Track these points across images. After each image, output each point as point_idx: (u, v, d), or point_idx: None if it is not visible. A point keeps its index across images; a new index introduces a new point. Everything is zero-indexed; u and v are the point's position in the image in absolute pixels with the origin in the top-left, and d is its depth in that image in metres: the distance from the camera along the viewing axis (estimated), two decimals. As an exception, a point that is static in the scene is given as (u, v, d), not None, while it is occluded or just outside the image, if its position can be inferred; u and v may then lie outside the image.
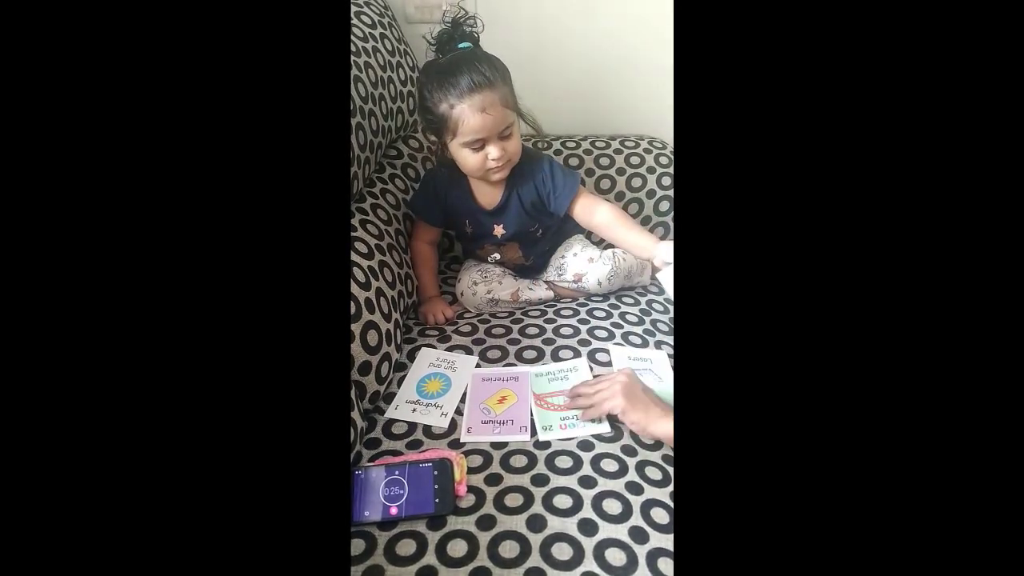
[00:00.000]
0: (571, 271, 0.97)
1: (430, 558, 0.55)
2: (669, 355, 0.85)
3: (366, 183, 0.96)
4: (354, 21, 0.95)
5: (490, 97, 0.79)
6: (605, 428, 0.71)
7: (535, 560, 0.55)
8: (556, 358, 0.83)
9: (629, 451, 0.68)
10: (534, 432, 0.71)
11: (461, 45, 0.83)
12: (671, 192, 1.18)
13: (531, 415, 0.73)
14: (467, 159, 0.84)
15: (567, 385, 0.77)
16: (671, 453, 0.69)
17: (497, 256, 1.01)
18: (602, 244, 1.18)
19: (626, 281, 1.01)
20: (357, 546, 0.56)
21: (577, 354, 0.84)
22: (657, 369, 0.82)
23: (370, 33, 0.99)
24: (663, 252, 0.83)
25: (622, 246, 0.94)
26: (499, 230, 0.96)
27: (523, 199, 0.93)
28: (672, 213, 1.19)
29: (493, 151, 0.82)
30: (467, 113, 0.79)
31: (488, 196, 0.94)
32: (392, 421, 0.74)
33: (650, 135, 1.27)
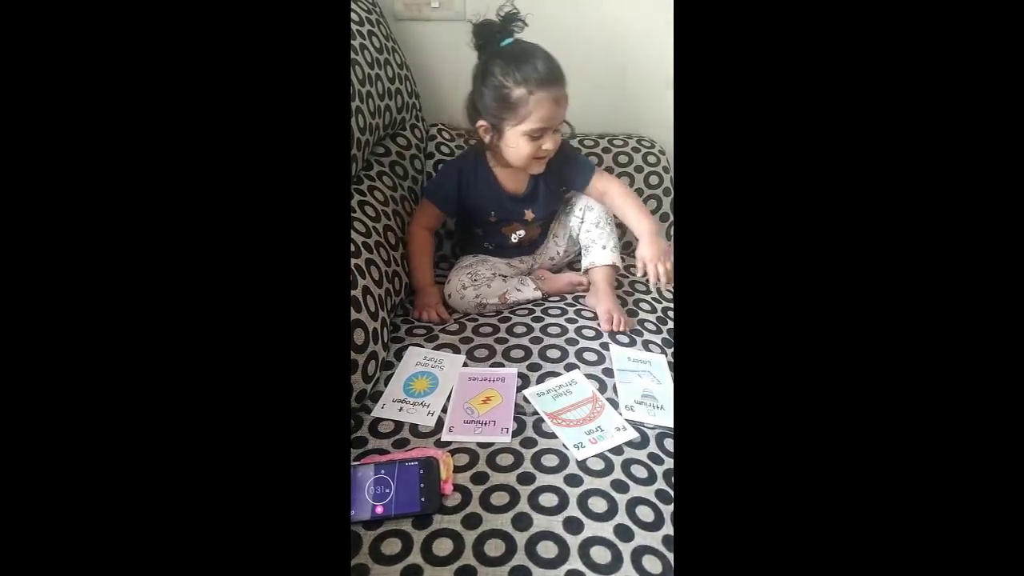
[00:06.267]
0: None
1: (415, 557, 0.55)
2: (669, 362, 0.86)
3: (354, 180, 0.96)
4: (342, 18, 0.95)
5: (562, 90, 0.82)
6: (633, 435, 0.71)
7: (520, 558, 0.55)
8: (544, 357, 0.83)
9: (615, 450, 0.68)
10: (516, 433, 0.71)
11: (506, 42, 0.84)
12: (658, 191, 1.19)
13: (514, 416, 0.73)
14: (521, 147, 0.85)
15: (572, 400, 0.76)
16: (657, 451, 0.69)
17: (522, 233, 1.03)
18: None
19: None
20: (342, 545, 0.56)
21: (564, 353, 0.84)
22: (656, 372, 0.83)
23: (358, 30, 0.98)
24: (645, 251, 0.87)
25: (624, 220, 0.98)
26: (529, 214, 0.99)
27: (548, 184, 0.96)
28: (660, 211, 1.19)
29: (548, 143, 0.84)
30: (544, 101, 0.80)
31: (514, 183, 0.97)
32: (379, 420, 0.74)
33: (639, 134, 1.27)
